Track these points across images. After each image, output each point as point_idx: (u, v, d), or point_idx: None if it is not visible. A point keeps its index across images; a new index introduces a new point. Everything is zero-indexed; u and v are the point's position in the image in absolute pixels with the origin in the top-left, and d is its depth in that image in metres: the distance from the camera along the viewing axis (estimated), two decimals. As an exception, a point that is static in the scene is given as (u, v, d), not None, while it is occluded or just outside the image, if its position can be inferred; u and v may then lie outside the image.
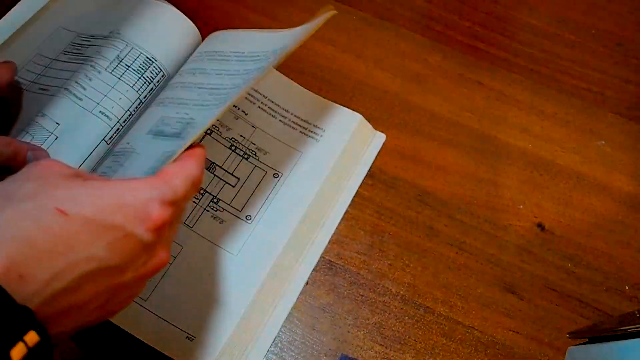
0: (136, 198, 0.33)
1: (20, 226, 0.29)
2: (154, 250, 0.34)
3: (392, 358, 0.51)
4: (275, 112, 0.60)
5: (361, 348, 0.51)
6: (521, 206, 0.58)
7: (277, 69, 0.61)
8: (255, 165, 0.57)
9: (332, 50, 0.67)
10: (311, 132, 0.59)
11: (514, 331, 0.52)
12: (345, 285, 0.54)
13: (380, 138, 0.61)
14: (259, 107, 0.60)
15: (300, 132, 0.59)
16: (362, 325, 0.52)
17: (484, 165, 0.61)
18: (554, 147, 0.62)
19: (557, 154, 0.62)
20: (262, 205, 0.55)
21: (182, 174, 0.36)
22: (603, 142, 0.63)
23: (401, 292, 0.53)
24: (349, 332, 0.51)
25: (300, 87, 0.62)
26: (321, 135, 0.59)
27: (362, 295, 0.53)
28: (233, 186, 0.55)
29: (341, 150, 0.58)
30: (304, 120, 0.60)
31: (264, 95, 0.60)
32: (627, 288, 0.55)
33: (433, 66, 0.67)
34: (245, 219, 0.54)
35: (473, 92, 0.65)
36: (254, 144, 0.57)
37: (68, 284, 0.29)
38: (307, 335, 0.51)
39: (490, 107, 0.64)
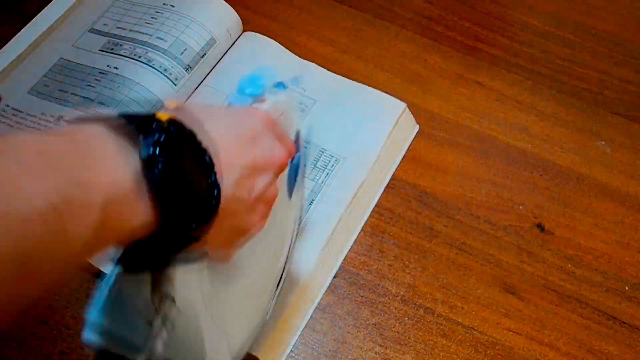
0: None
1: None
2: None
3: (392, 358, 0.50)
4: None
5: (361, 349, 0.51)
6: (521, 206, 0.58)
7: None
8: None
9: (332, 51, 0.67)
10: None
11: (513, 332, 0.52)
12: (345, 285, 0.54)
13: (415, 128, 0.62)
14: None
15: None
16: (362, 326, 0.52)
17: (484, 166, 0.61)
18: (554, 147, 0.62)
19: (557, 154, 0.62)
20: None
21: None
22: (603, 142, 0.63)
23: (401, 293, 0.53)
24: (348, 332, 0.51)
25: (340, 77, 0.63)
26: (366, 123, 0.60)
27: (362, 296, 0.53)
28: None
29: (385, 138, 0.59)
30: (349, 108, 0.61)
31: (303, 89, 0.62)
32: (627, 288, 0.55)
33: (433, 66, 0.67)
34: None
35: (473, 93, 0.65)
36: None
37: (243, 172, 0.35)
38: (307, 336, 0.51)
39: (490, 108, 0.64)
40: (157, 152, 0.29)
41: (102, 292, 0.41)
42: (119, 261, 0.32)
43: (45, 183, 0.24)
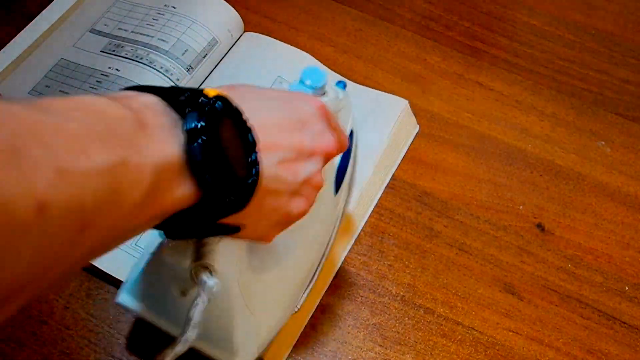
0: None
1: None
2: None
3: (392, 358, 0.51)
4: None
5: (361, 349, 0.51)
6: (521, 206, 0.58)
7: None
8: None
9: (332, 51, 0.67)
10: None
11: (513, 332, 0.52)
12: (345, 286, 0.54)
13: (415, 128, 0.62)
14: None
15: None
16: (362, 326, 0.52)
17: (484, 166, 0.61)
18: (554, 147, 0.62)
19: (557, 154, 0.62)
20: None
21: None
22: (603, 143, 0.63)
23: (401, 293, 0.53)
24: (349, 332, 0.52)
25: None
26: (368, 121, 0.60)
27: (362, 296, 0.53)
28: None
29: (389, 134, 0.59)
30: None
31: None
32: (627, 288, 0.55)
33: (433, 66, 0.67)
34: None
35: (473, 93, 0.65)
36: None
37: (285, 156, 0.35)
38: (307, 336, 0.51)
39: (490, 108, 0.64)
40: (200, 126, 0.29)
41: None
42: (162, 227, 0.33)
43: (104, 144, 0.25)
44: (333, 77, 0.63)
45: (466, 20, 0.70)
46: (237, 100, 0.32)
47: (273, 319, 0.47)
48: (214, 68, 0.64)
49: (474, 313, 0.53)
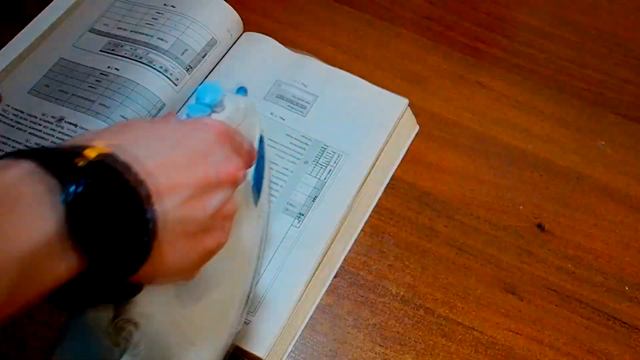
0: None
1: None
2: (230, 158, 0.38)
3: (392, 358, 0.51)
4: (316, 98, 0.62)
5: (361, 349, 0.51)
6: (521, 206, 0.58)
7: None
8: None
9: (332, 51, 0.67)
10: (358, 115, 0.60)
11: (514, 332, 0.52)
12: (345, 286, 0.54)
13: (415, 128, 0.62)
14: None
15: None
16: (362, 326, 0.52)
17: (484, 166, 0.61)
18: (554, 148, 0.62)
19: (557, 154, 0.62)
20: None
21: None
22: (603, 143, 0.63)
23: (401, 293, 0.53)
24: (349, 332, 0.51)
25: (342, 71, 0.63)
26: (367, 119, 0.60)
27: (362, 296, 0.53)
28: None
29: (388, 133, 0.59)
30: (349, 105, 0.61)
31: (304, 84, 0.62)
32: (627, 288, 0.55)
33: (433, 66, 0.67)
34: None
35: (473, 93, 0.65)
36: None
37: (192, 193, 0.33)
38: (307, 336, 0.51)
39: (490, 108, 0.64)
40: (79, 192, 0.27)
41: (66, 326, 0.40)
42: (52, 299, 0.30)
43: None
44: (295, 66, 0.63)
45: (466, 20, 0.70)
46: (129, 146, 0.31)
47: (216, 343, 0.46)
48: (214, 68, 0.63)
49: (474, 313, 0.53)
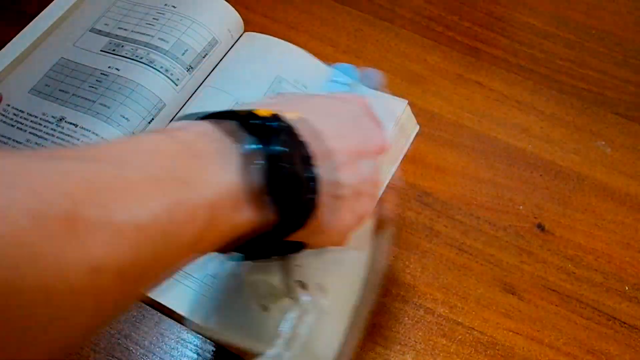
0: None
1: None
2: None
3: (392, 358, 0.51)
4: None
5: (361, 349, 0.51)
6: (521, 206, 0.58)
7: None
8: None
9: (332, 51, 0.67)
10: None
11: (514, 332, 0.52)
12: (346, 285, 0.54)
13: (415, 128, 0.62)
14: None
15: None
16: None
17: (484, 166, 0.61)
18: (554, 148, 0.62)
19: (557, 155, 0.62)
20: None
21: None
22: (603, 143, 0.63)
23: (401, 293, 0.53)
24: (349, 332, 0.52)
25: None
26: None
27: (362, 296, 0.53)
28: None
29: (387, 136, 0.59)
30: None
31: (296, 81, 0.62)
32: (627, 288, 0.55)
33: (433, 66, 0.67)
34: None
35: (473, 93, 0.65)
36: None
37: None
38: (307, 336, 0.51)
39: (490, 108, 0.64)
40: (257, 148, 0.29)
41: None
42: (238, 251, 0.33)
43: (160, 186, 0.25)
44: (295, 65, 0.63)
45: (466, 20, 0.70)
46: (290, 114, 0.32)
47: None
48: (214, 68, 0.64)
49: (474, 313, 0.53)
